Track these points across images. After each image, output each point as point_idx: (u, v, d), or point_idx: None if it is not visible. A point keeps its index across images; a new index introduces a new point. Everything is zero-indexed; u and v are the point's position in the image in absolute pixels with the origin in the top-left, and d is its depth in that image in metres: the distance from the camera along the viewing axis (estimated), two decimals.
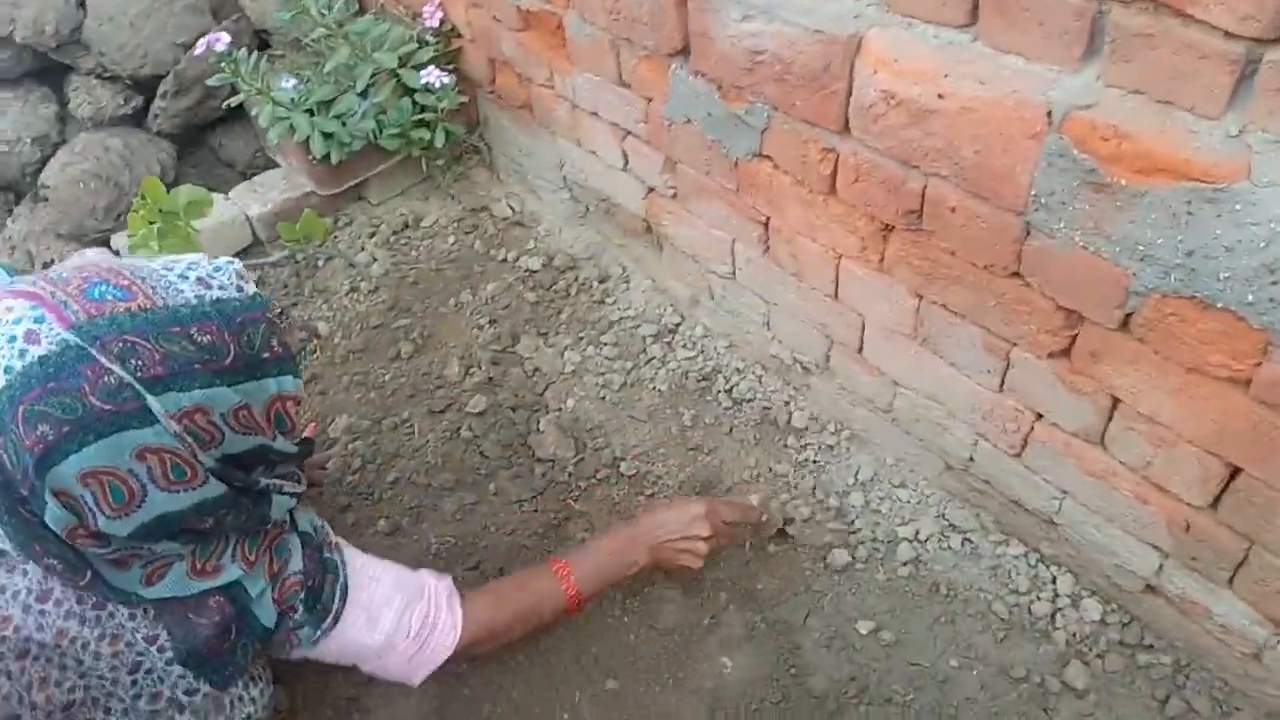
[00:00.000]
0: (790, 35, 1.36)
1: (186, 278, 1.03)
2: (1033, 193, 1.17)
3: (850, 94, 1.33)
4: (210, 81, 2.07)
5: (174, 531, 1.04)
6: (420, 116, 2.17)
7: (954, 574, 1.54)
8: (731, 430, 1.81)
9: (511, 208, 2.37)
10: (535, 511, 1.71)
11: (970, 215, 1.27)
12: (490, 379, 1.95)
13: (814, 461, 1.74)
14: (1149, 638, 1.43)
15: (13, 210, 2.47)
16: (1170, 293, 1.09)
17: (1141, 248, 1.09)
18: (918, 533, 1.60)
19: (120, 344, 0.94)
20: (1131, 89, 1.04)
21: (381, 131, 2.14)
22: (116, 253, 2.18)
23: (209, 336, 1.00)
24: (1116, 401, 1.26)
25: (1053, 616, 1.47)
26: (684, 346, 1.99)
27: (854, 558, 1.58)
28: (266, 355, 1.05)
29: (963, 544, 1.58)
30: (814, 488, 1.69)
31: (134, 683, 1.09)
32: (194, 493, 1.01)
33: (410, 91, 2.15)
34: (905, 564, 1.56)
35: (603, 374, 1.95)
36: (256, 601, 1.14)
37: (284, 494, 1.18)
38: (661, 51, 1.62)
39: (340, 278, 2.21)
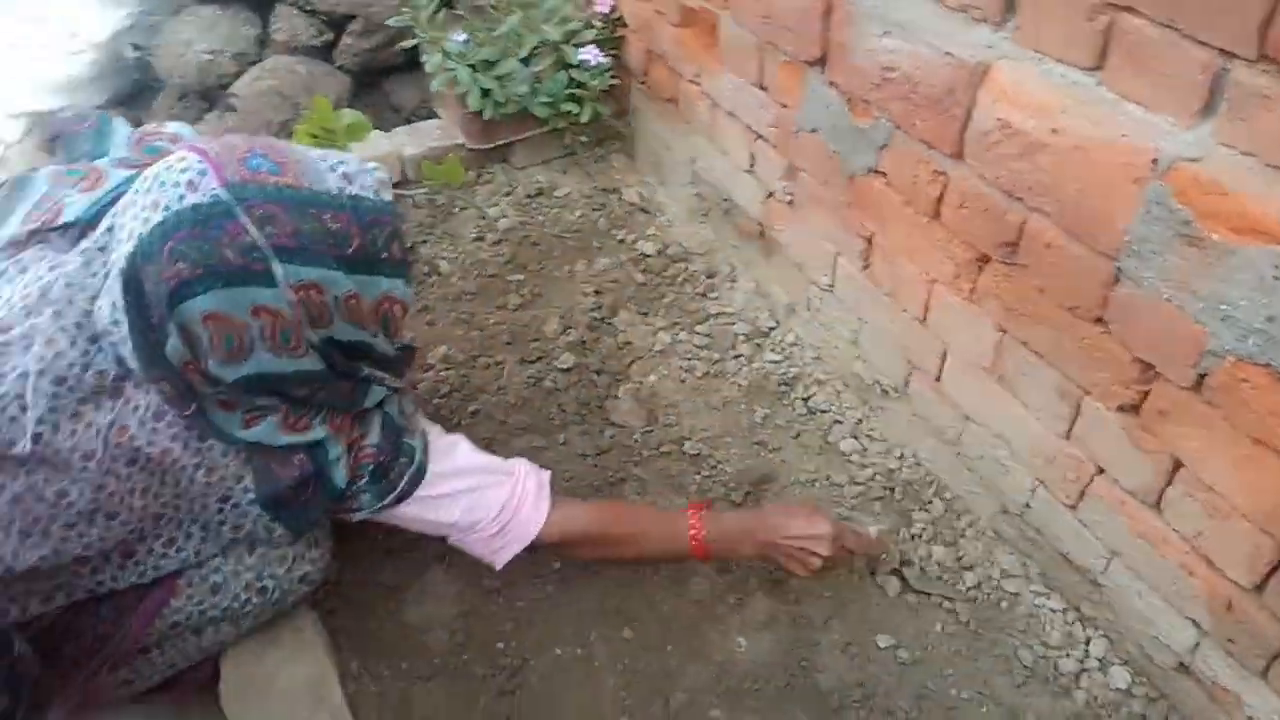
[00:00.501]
0: (923, 56, 1.40)
1: (334, 170, 1.15)
2: (1127, 238, 1.18)
3: (968, 120, 1.37)
4: (390, 21, 2.25)
5: (275, 392, 1.16)
6: (572, 91, 2.29)
7: (988, 614, 1.54)
8: (799, 435, 1.85)
9: (640, 194, 2.47)
10: (596, 467, 1.79)
11: (1064, 254, 1.29)
12: (583, 342, 2.05)
13: (872, 480, 1.76)
14: (1174, 718, 1.39)
15: (203, 116, 2.74)
16: (1246, 357, 1.09)
17: (1224, 307, 1.09)
18: (961, 568, 1.60)
19: (262, 210, 1.07)
20: (1244, 150, 1.05)
21: (535, 98, 2.28)
22: None
23: (339, 224, 1.11)
24: (1178, 465, 1.24)
25: (1078, 676, 1.45)
26: (772, 350, 2.04)
27: (896, 578, 1.59)
28: (385, 256, 1.15)
29: (1003, 588, 1.57)
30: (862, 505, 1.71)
31: (220, 510, 1.22)
32: (294, 361, 1.13)
33: (568, 67, 2.28)
34: (942, 592, 1.57)
35: (689, 359, 2.02)
36: (333, 465, 1.25)
37: (382, 385, 1.29)
38: (801, 58, 1.69)
39: (470, 226, 2.36)
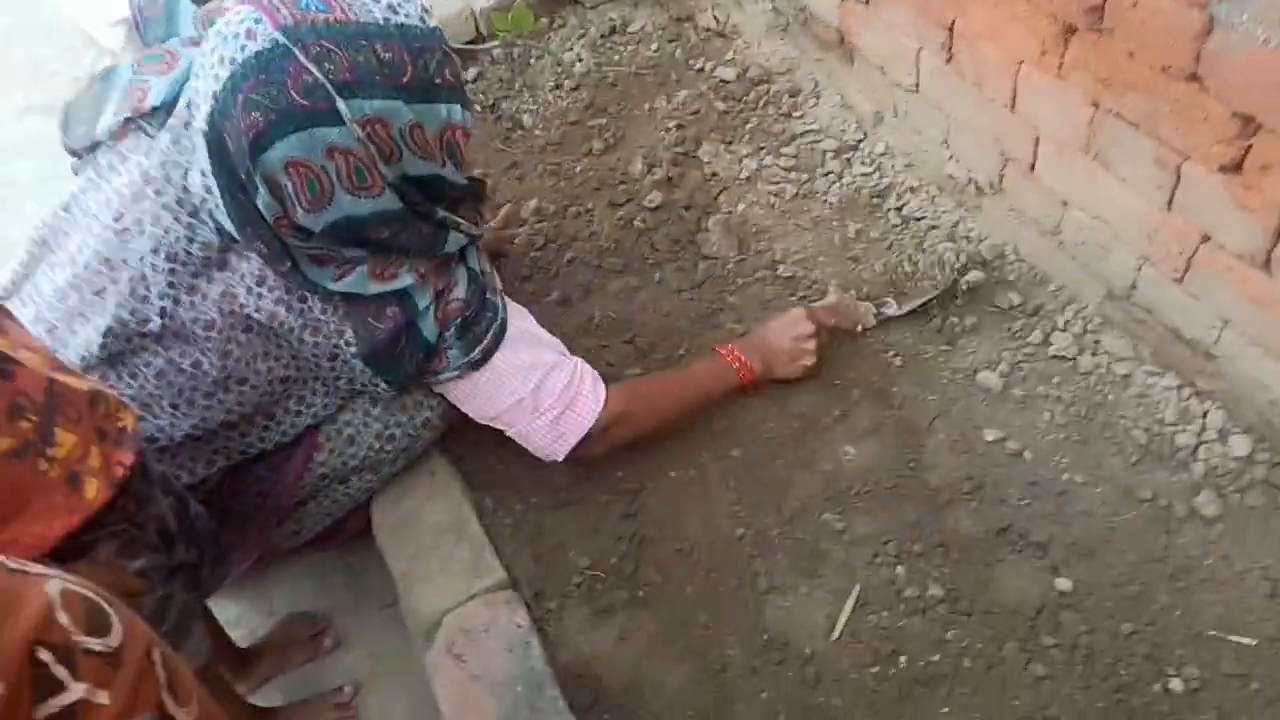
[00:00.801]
0: None
1: (379, 2, 1.17)
2: None
3: None
4: None
5: (360, 239, 1.23)
6: None
7: (1097, 397, 1.53)
8: (892, 245, 1.83)
9: (716, 18, 2.39)
10: (691, 300, 1.82)
11: (1151, 10, 1.20)
12: (669, 179, 2.04)
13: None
14: None
15: None
16: None
17: None
18: (1074, 358, 1.58)
19: (317, 48, 1.10)
20: None
21: None
22: None
23: (391, 54, 1.14)
24: None
25: (1195, 449, 1.43)
26: (862, 163, 1.99)
27: (1000, 375, 1.59)
28: (439, 81, 1.18)
29: (1114, 371, 1.54)
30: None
31: (332, 368, 1.33)
32: (374, 200, 1.18)
33: None
34: (1050, 383, 1.56)
35: (776, 183, 1.99)
36: (422, 315, 1.33)
37: (460, 231, 1.34)
38: None
39: (548, 75, 2.35)
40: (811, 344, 1.59)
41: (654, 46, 2.38)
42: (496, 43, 2.30)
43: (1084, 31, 1.33)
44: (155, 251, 1.22)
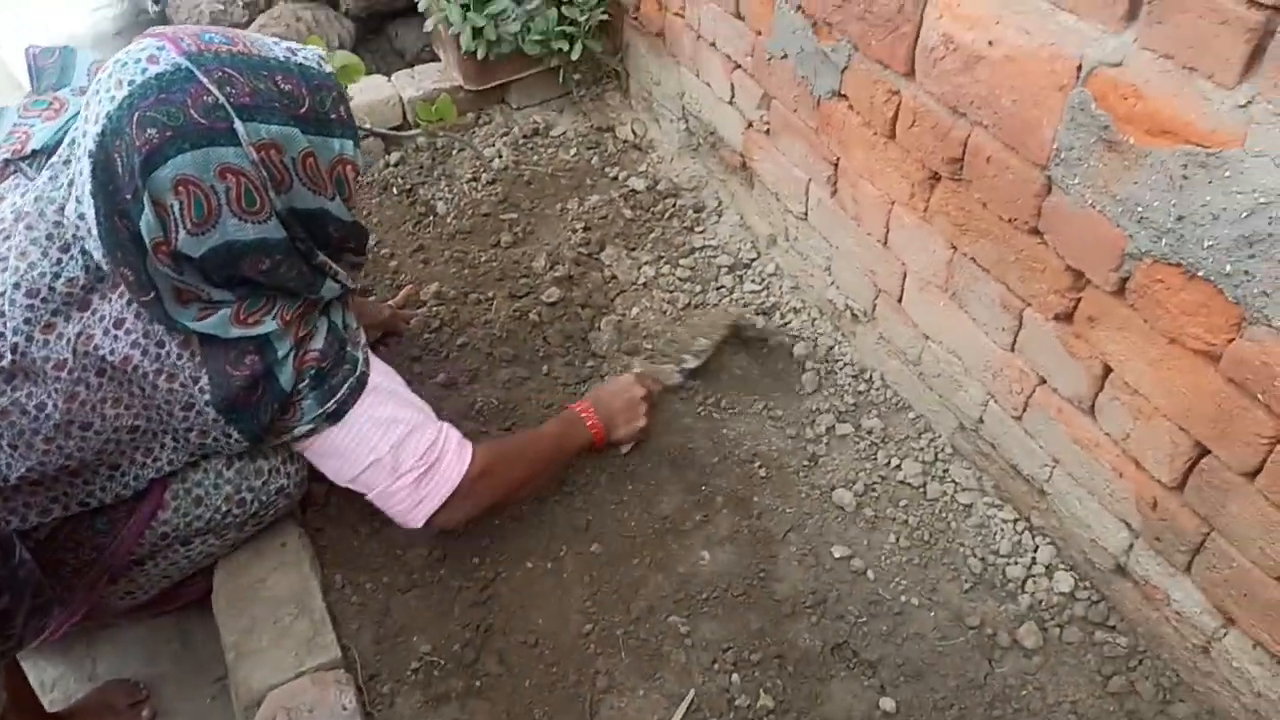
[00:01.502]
0: None
1: (279, 44, 1.23)
2: (1055, 146, 1.20)
3: (918, 37, 1.39)
4: None
5: (235, 272, 1.22)
6: (563, 28, 2.33)
7: (941, 525, 1.58)
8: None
9: (634, 132, 2.50)
10: (574, 395, 1.85)
11: (1002, 166, 1.31)
12: (570, 277, 2.10)
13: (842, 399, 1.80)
14: (1113, 620, 1.43)
15: None
16: (1160, 258, 1.11)
17: (1140, 209, 1.11)
18: (923, 485, 1.65)
19: (220, 73, 1.14)
20: (1162, 53, 1.06)
21: (527, 36, 2.32)
22: None
23: (290, 86, 1.18)
24: (1108, 370, 1.27)
25: (1024, 582, 1.49)
26: (753, 281, 2.07)
27: (854, 494, 1.64)
28: (334, 117, 1.22)
29: (958, 500, 1.61)
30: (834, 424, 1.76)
31: (185, 418, 1.30)
32: (260, 226, 1.19)
33: (559, 4, 2.31)
34: (898, 507, 1.61)
35: (671, 291, 2.07)
36: (280, 363, 1.31)
37: (335, 280, 1.35)
38: None
39: (467, 167, 2.42)
40: (644, 407, 1.69)
41: (573, 151, 2.47)
42: (419, 131, 2.36)
43: (946, 180, 1.44)
44: (17, 286, 1.20)
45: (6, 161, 1.29)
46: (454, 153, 2.47)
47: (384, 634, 1.49)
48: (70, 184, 1.21)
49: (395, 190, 2.36)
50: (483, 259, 2.18)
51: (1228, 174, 1.00)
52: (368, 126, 2.35)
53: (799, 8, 1.65)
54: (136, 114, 1.10)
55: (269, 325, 1.29)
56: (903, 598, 1.49)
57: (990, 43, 1.25)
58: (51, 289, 1.21)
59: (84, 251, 1.22)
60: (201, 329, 1.24)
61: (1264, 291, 1.00)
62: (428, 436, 1.42)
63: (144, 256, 1.17)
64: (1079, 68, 1.14)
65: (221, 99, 1.13)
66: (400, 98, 2.49)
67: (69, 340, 1.21)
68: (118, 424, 1.27)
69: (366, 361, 1.42)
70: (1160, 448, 1.22)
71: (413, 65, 2.75)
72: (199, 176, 1.13)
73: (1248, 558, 1.16)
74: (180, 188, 1.12)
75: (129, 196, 1.14)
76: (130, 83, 1.12)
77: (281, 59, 1.20)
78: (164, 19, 2.93)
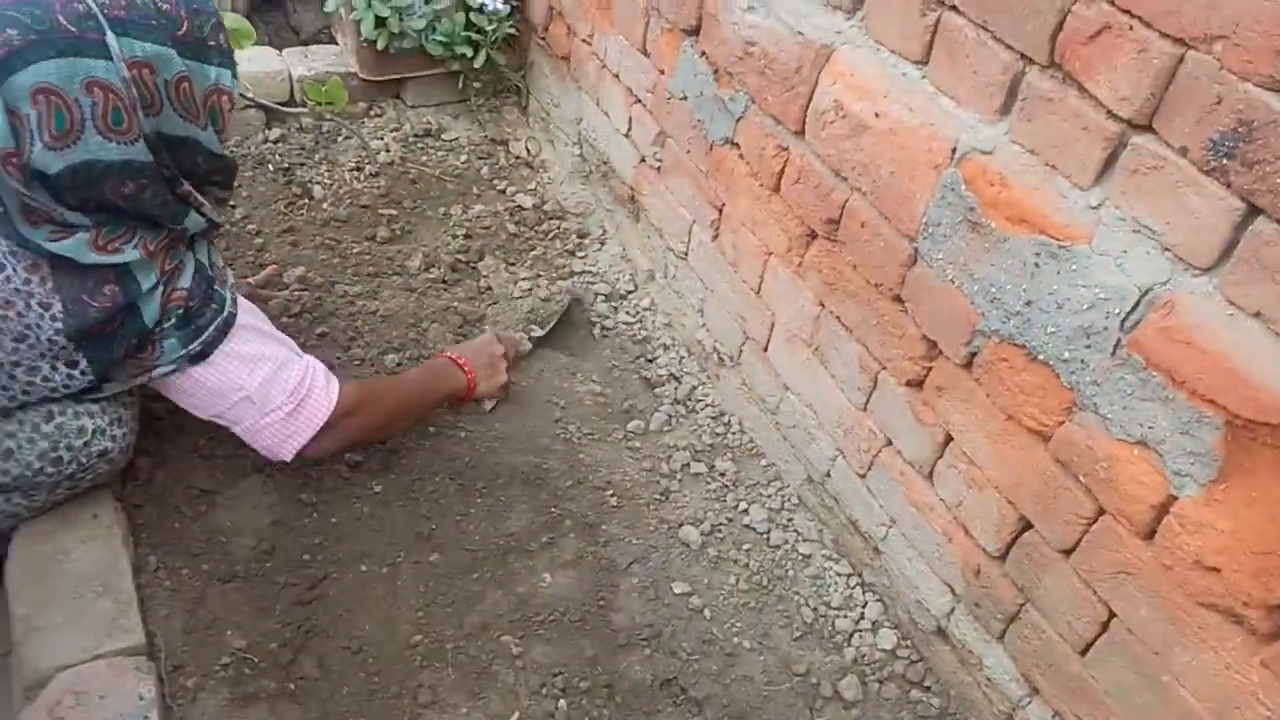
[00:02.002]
0: (779, 33, 1.47)
1: None
2: (924, 220, 1.27)
3: (811, 99, 1.44)
4: None
5: (94, 195, 1.14)
6: (469, 34, 2.31)
7: (780, 572, 1.62)
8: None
9: (528, 149, 2.50)
10: None
11: (874, 233, 1.37)
12: (444, 281, 2.07)
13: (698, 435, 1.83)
14: (929, 680, 1.49)
15: None
16: (1006, 338, 1.18)
17: (994, 290, 1.18)
18: (767, 531, 1.68)
19: None
20: (1029, 148, 1.14)
21: (431, 35, 2.28)
22: None
23: (169, 6, 1.14)
24: (950, 438, 1.34)
25: (851, 635, 1.54)
26: (627, 313, 2.09)
27: (701, 533, 1.66)
28: (212, 43, 1.19)
29: (798, 550, 1.65)
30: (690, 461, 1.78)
31: (14, 350, 1.20)
32: (125, 148, 1.13)
33: (468, 10, 2.29)
34: (741, 550, 1.64)
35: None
36: (145, 296, 1.23)
37: (200, 213, 1.29)
38: (680, 26, 1.75)
39: (352, 155, 2.35)
40: (504, 364, 1.75)
41: (463, 158, 2.44)
42: (306, 110, 2.29)
43: (822, 239, 1.49)
44: None
45: None
46: (339, 139, 2.40)
47: (196, 624, 1.41)
48: None
49: (271, 168, 2.27)
50: (355, 250, 2.12)
51: (1074, 267, 1.07)
52: (250, 95, 2.25)
53: (703, 53, 1.70)
54: None
55: (129, 254, 1.21)
56: (735, 639, 1.52)
57: (877, 114, 1.32)
58: None
59: None
60: (57, 249, 1.16)
61: (1094, 380, 1.08)
62: (295, 373, 1.40)
63: None
64: (954, 150, 1.21)
65: (94, 8, 1.07)
66: (290, 74, 2.41)
67: None
68: None
69: (234, 301, 1.37)
70: (989, 518, 1.29)
71: (307, 44, 2.66)
72: (62, 87, 1.06)
73: (1056, 630, 1.23)
74: (39, 96, 1.05)
75: None
76: None
77: None
78: None
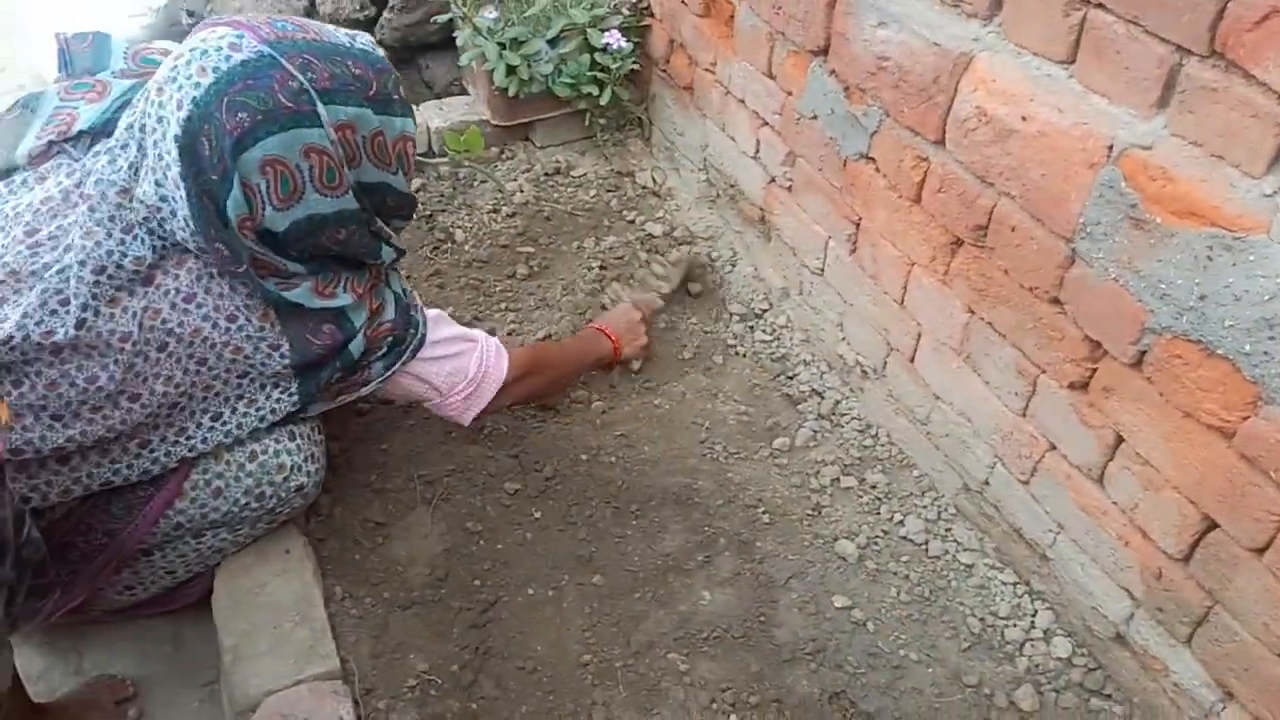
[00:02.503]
0: (913, 46, 1.48)
1: (338, 31, 1.31)
2: (1081, 220, 1.25)
3: (950, 108, 1.44)
4: None
5: (315, 243, 1.30)
6: (594, 74, 2.39)
7: (941, 583, 1.61)
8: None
9: (654, 179, 2.56)
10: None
11: (1026, 236, 1.36)
12: (583, 311, 2.13)
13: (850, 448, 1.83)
14: (1109, 688, 1.45)
15: None
16: (1180, 334, 1.15)
17: (1163, 286, 1.16)
18: (925, 542, 1.67)
19: (300, 59, 1.21)
20: (1192, 140, 1.12)
21: (558, 78, 2.38)
22: None
23: (360, 70, 1.26)
24: (1119, 440, 1.31)
25: (1022, 645, 1.51)
26: (764, 331, 2.11)
27: (857, 546, 1.66)
28: (396, 98, 1.31)
29: (959, 560, 1.63)
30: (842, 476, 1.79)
31: (239, 385, 1.35)
32: (338, 200, 1.27)
33: (592, 50, 2.38)
34: (900, 562, 1.63)
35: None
36: (355, 335, 1.39)
37: (390, 245, 1.44)
38: (806, 48, 1.77)
39: (488, 198, 2.46)
40: (643, 328, 1.93)
41: (592, 192, 2.52)
42: (445, 160, 2.41)
43: (968, 245, 1.49)
44: (83, 264, 1.23)
45: (51, 143, 1.31)
46: (475, 184, 2.51)
47: (382, 649, 1.49)
48: (132, 167, 1.25)
49: (415, 216, 2.39)
50: (498, 288, 2.21)
51: (1252, 258, 1.05)
52: None
53: (833, 72, 1.72)
54: (225, 99, 1.17)
55: (343, 299, 1.38)
56: (901, 651, 1.51)
57: (1024, 118, 1.31)
58: (119, 266, 1.25)
59: (150, 232, 1.27)
60: (291, 298, 1.32)
61: None
62: (474, 360, 1.57)
63: (232, 230, 1.24)
64: (1110, 148, 1.19)
65: (305, 84, 1.20)
66: (428, 127, 2.54)
67: (135, 314, 1.25)
68: (163, 399, 1.30)
69: (425, 321, 1.53)
70: (1168, 519, 1.25)
71: (440, 97, 2.80)
72: (285, 156, 1.20)
73: (1251, 632, 1.19)
74: (268, 168, 1.20)
75: (215, 177, 1.20)
76: (215, 69, 1.18)
77: (347, 45, 1.28)
78: None
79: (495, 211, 2.42)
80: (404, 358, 1.48)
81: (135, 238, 1.26)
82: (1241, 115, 1.05)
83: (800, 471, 1.81)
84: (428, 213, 2.41)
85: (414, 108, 2.49)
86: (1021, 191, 1.34)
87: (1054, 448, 1.43)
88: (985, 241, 1.44)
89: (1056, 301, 1.34)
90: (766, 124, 2.01)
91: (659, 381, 2.00)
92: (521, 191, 2.49)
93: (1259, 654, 1.18)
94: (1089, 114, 1.22)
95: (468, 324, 2.07)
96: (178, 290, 1.28)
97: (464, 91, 2.78)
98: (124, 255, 1.24)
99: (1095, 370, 1.31)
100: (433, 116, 2.58)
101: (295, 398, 1.39)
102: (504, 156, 2.61)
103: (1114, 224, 1.20)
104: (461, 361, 1.56)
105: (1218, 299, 1.09)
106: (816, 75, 1.77)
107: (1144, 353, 1.22)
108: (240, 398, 1.36)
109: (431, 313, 1.56)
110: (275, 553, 1.56)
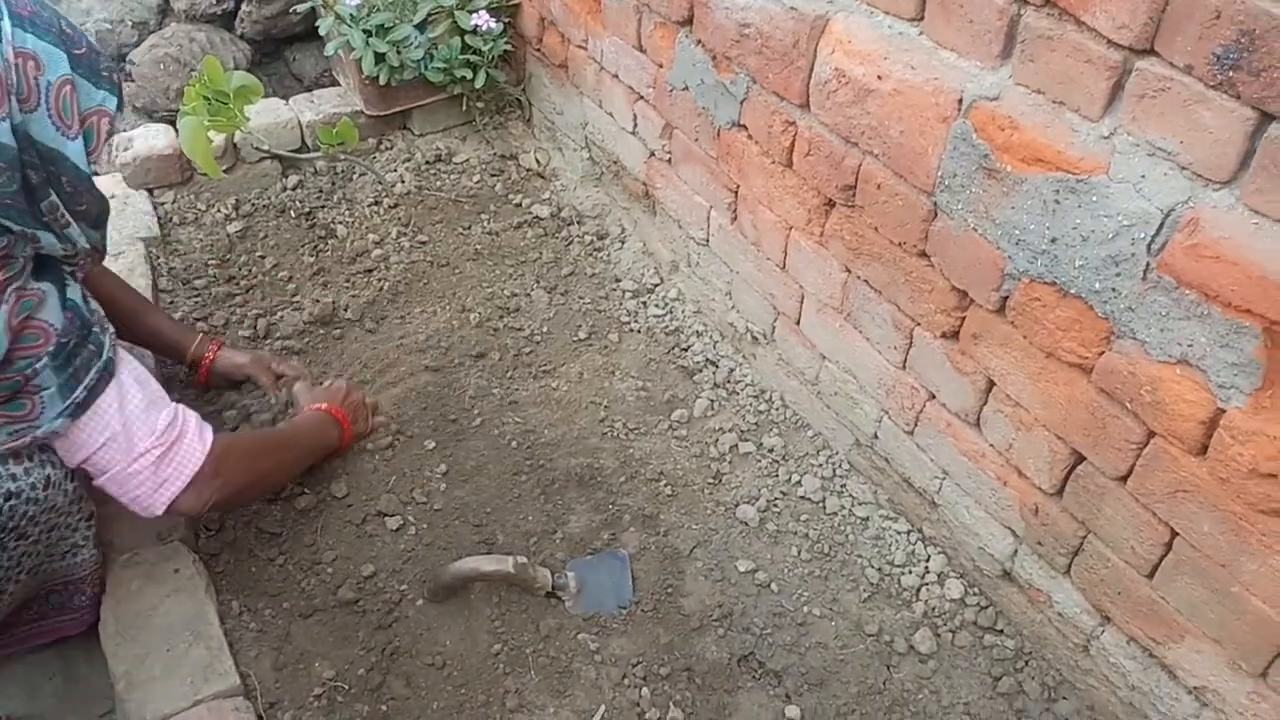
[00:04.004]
0: (772, 11, 1.49)
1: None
2: (939, 174, 1.28)
3: (812, 71, 1.46)
4: None
5: None
6: (467, 57, 2.35)
7: (839, 538, 1.64)
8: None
9: (537, 160, 2.53)
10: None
11: (891, 193, 1.38)
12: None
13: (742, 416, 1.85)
14: (1000, 623, 1.51)
15: None
16: (1036, 277, 1.20)
17: (1017, 232, 1.20)
18: (822, 500, 1.70)
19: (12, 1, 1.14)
20: (1034, 88, 1.15)
21: (430, 64, 2.33)
22: (178, 131, 2.40)
23: (73, 32, 1.20)
24: (991, 384, 1.35)
25: (918, 590, 1.56)
26: (656, 306, 2.12)
27: (758, 510, 1.69)
28: (104, 74, 1.23)
29: (855, 513, 1.67)
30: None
31: None
32: None
33: (462, 33, 2.33)
34: (800, 521, 1.67)
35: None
36: None
37: (61, 235, 1.23)
38: (672, 19, 1.77)
39: (368, 191, 2.40)
40: (365, 408, 1.77)
41: (476, 178, 2.48)
42: (319, 154, 2.34)
43: (840, 206, 1.51)
44: None
45: None
46: (354, 177, 2.45)
47: (284, 660, 1.46)
48: None
49: (293, 214, 2.32)
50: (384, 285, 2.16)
51: (1095, 199, 1.09)
52: (265, 147, 2.31)
53: (699, 42, 1.72)
54: None
55: None
56: (805, 608, 1.54)
57: (879, 77, 1.34)
58: None
59: None
60: None
61: (1129, 307, 1.10)
62: (165, 414, 1.33)
63: None
64: (960, 101, 1.22)
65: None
66: (299, 121, 2.46)
67: None
68: None
69: (113, 347, 1.31)
70: (1040, 456, 1.30)
71: (311, 89, 2.72)
72: None
73: (1121, 557, 1.25)
74: None
75: None
76: None
77: (74, 21, 1.23)
78: None
79: (377, 204, 2.37)
80: (85, 382, 1.24)
81: None
82: (1077, 61, 1.08)
83: (700, 441, 1.82)
84: (306, 209, 2.34)
85: (285, 102, 2.44)
86: (883, 149, 1.37)
87: (933, 397, 1.48)
88: (855, 201, 1.47)
89: (924, 255, 1.38)
90: (641, 98, 2.01)
91: (555, 364, 1.99)
92: (403, 182, 2.43)
93: (1130, 576, 1.24)
94: (939, 69, 1.25)
95: (357, 320, 2.03)
96: None
97: (335, 82, 2.70)
98: None
99: (964, 319, 1.35)
100: (304, 110, 2.50)
101: None
102: (382, 147, 2.55)
103: (969, 175, 1.24)
104: (151, 413, 1.31)
105: (1067, 241, 1.14)
106: (684, 46, 1.77)
107: (1006, 298, 1.26)
108: None
109: (123, 353, 1.33)
110: (164, 573, 1.50)
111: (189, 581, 1.50)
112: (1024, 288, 1.22)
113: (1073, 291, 1.15)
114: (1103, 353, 1.15)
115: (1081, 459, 1.25)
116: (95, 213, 1.30)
